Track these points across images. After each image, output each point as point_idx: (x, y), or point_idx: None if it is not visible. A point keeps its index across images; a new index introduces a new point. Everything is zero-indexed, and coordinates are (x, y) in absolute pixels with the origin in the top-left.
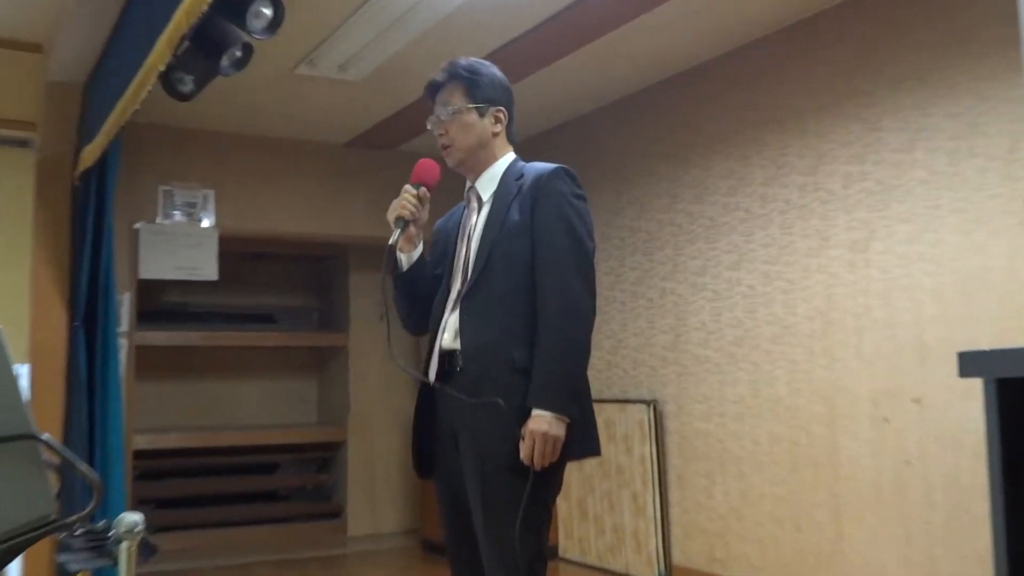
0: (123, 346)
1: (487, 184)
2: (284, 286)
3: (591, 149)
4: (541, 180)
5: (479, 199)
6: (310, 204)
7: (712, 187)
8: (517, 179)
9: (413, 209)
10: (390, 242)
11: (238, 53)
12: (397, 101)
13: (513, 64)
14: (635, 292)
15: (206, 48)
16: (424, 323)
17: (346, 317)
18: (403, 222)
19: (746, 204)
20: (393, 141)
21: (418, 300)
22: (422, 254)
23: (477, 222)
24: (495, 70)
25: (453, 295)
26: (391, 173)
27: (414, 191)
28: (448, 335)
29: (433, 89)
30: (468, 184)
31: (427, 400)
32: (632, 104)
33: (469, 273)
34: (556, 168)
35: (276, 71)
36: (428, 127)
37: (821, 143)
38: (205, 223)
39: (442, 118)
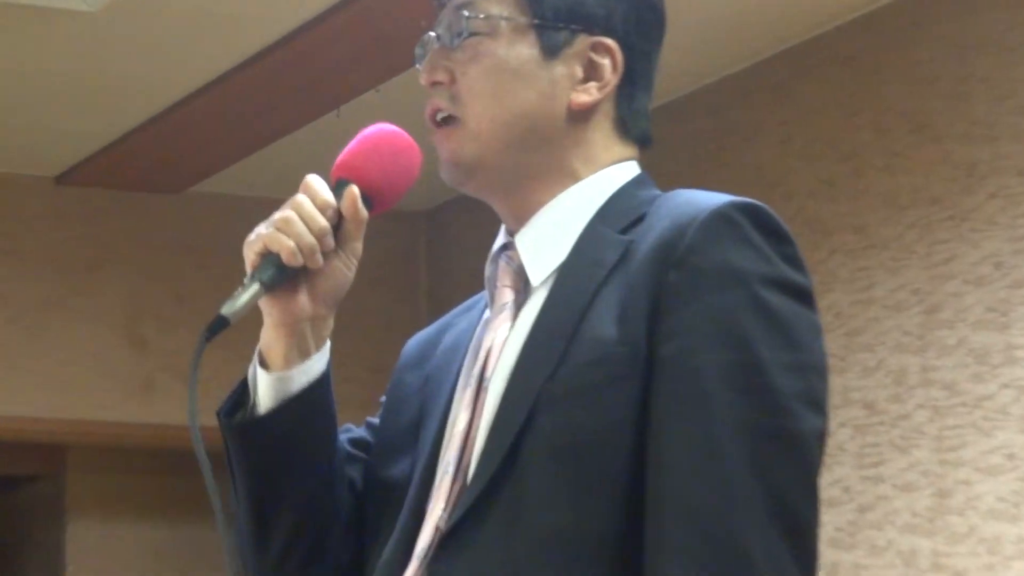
0: None
1: (546, 240)
2: None
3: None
4: (684, 238)
5: (519, 281)
6: None
7: None
8: (626, 229)
9: (308, 241)
10: (222, 311)
11: None
12: (190, 68)
13: None
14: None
15: None
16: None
17: None
18: (272, 271)
19: None
20: (183, 174)
21: (291, 509)
22: (325, 376)
23: (508, 341)
24: None
25: (428, 529)
26: (175, 254)
27: (325, 196)
28: None
29: None
30: (500, 238)
31: None
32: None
33: (470, 472)
34: (724, 207)
35: None
36: (417, 66)
37: None
38: None
39: (444, 43)
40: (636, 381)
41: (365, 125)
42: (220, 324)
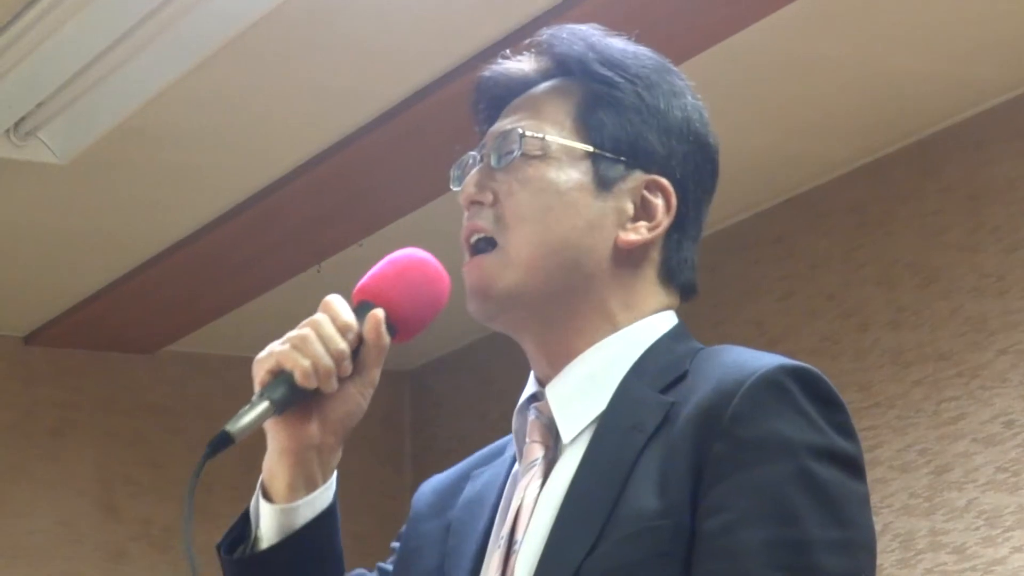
0: None
1: (579, 395)
2: None
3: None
4: (729, 406)
5: (549, 436)
6: None
7: None
8: (667, 388)
9: (326, 363)
10: (227, 427)
11: None
12: (164, 223)
13: None
14: None
15: None
16: None
17: None
18: (284, 390)
19: None
20: (156, 333)
21: None
22: (331, 510)
23: (539, 502)
24: (672, 74)
25: None
26: (148, 416)
27: (347, 318)
28: None
29: (502, 90)
30: (528, 387)
31: None
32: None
33: None
34: (773, 372)
35: None
36: (452, 187)
37: None
38: None
39: (490, 164)
40: (678, 559)
41: (348, 281)
42: (223, 441)
